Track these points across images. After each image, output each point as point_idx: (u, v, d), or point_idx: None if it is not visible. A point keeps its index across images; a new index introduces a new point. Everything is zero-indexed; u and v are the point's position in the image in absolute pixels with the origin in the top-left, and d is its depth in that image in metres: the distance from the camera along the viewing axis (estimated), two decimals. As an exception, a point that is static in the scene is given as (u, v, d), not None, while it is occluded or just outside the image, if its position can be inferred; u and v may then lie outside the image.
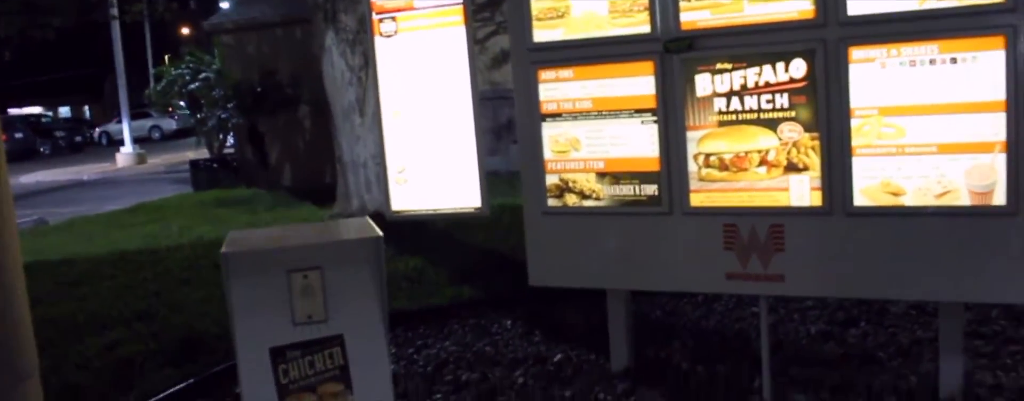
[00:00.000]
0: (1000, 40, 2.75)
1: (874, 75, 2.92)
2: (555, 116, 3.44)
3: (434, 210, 3.75)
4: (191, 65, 14.29)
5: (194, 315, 5.34)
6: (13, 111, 36.33)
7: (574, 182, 3.44)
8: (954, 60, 2.81)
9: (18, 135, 28.44)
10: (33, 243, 8.74)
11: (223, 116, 13.65)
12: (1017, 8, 2.73)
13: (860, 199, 3.01)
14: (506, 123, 12.06)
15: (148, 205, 12.02)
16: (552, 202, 3.49)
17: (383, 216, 3.78)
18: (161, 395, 3.93)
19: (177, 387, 4.02)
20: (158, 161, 22.75)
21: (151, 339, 4.92)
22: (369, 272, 2.52)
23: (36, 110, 39.86)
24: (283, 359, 2.41)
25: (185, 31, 36.34)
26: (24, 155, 26.67)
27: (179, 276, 6.59)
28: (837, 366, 3.77)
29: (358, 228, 2.66)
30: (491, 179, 3.85)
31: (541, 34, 3.42)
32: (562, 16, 3.38)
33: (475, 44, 3.75)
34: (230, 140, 14.75)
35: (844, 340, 4.12)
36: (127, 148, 23.00)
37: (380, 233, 2.56)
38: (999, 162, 2.81)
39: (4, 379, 2.21)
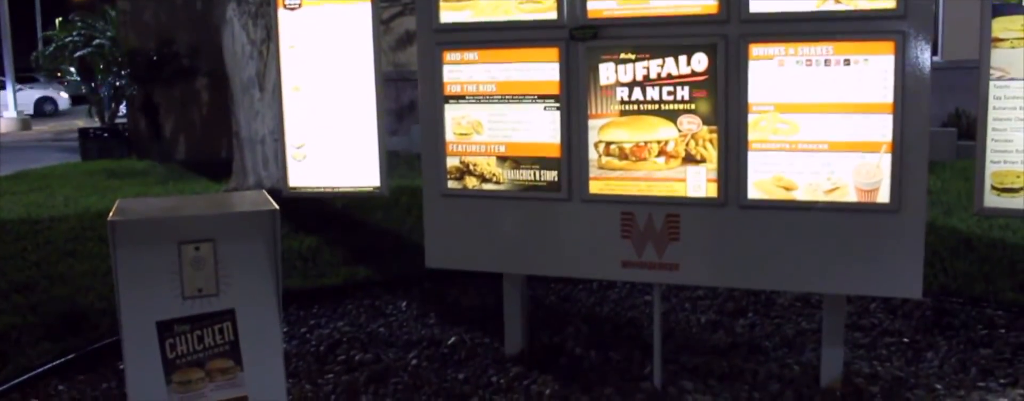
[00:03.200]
0: (890, 45, 2.85)
1: (772, 72, 2.99)
2: (458, 98, 3.42)
3: (332, 188, 3.70)
4: (83, 31, 13.76)
5: (78, 288, 5.15)
6: None
7: (475, 165, 3.43)
8: (847, 61, 2.90)
9: None
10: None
11: (117, 84, 13.20)
12: (907, 15, 2.84)
13: (754, 192, 3.09)
14: (408, 105, 11.99)
15: (32, 173, 11.54)
16: (452, 184, 3.48)
17: (280, 193, 3.71)
18: (37, 370, 3.79)
19: (55, 362, 3.87)
20: (45, 128, 21.87)
21: (29, 312, 4.73)
22: (263, 246, 2.47)
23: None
24: (170, 333, 2.34)
25: (78, -5, 34.90)
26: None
27: (63, 248, 6.35)
28: (725, 354, 3.87)
29: (253, 201, 2.60)
30: (392, 160, 3.82)
31: (448, 15, 3.40)
32: (470, -2, 3.36)
33: (380, 24, 3.70)
34: (122, 110, 14.27)
35: (732, 330, 4.23)
36: (10, 112, 22.02)
37: (276, 206, 2.50)
38: (885, 162, 2.92)
39: None
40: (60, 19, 18.43)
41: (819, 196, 3.01)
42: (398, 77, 11.39)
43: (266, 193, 2.68)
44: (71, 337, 4.26)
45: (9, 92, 22.12)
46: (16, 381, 3.69)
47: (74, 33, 13.81)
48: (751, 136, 3.05)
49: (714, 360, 3.78)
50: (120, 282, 2.32)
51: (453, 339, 4.10)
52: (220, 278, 2.39)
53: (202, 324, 2.38)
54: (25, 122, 21.93)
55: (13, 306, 4.84)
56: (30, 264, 5.87)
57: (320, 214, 7.24)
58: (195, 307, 2.36)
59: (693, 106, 3.10)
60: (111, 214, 2.39)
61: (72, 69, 14.06)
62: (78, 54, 13.46)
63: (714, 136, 3.10)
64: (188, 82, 12.79)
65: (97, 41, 13.37)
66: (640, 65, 3.15)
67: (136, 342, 2.35)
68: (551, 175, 3.34)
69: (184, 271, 2.36)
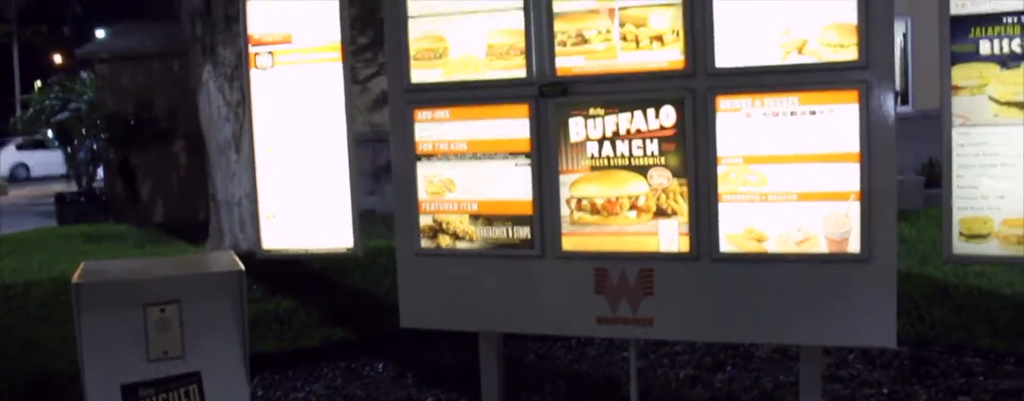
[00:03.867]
0: (854, 94, 2.88)
1: (740, 124, 3.01)
2: (430, 156, 3.42)
3: (306, 250, 3.67)
4: (61, 94, 13.76)
5: (50, 354, 5.08)
6: None
7: (448, 223, 3.42)
8: (813, 112, 2.93)
9: None
10: None
11: (95, 148, 13.15)
12: (869, 66, 2.88)
13: (726, 245, 3.08)
14: (385, 165, 11.97)
15: (7, 238, 11.44)
16: (425, 243, 3.46)
17: (255, 255, 3.68)
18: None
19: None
20: (22, 193, 21.74)
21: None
22: (230, 307, 2.44)
23: None
24: (135, 397, 2.30)
25: (58, 59, 34.95)
26: None
27: (35, 313, 6.27)
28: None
29: (219, 262, 2.58)
30: (368, 220, 3.80)
31: (418, 74, 3.41)
32: (440, 57, 3.38)
33: (355, 84, 3.71)
34: (99, 173, 14.20)
35: (711, 384, 4.21)
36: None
37: (242, 267, 2.48)
38: (853, 211, 2.93)
39: None
40: (39, 83, 18.44)
41: (790, 247, 3.01)
42: (375, 138, 11.40)
43: (233, 254, 2.66)
44: (39, 404, 4.19)
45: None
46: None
47: (51, 96, 13.79)
48: (721, 188, 3.06)
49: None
50: (84, 345, 2.28)
51: (430, 399, 4.05)
52: (186, 340, 2.36)
53: (168, 387, 2.34)
54: (2, 187, 21.79)
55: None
56: (2, 330, 5.78)
57: (296, 276, 7.18)
58: (161, 370, 2.33)
59: (663, 160, 3.12)
60: (75, 277, 2.36)
61: (49, 133, 14.02)
62: (56, 119, 13.42)
63: (685, 189, 3.10)
64: (166, 145, 12.78)
65: (74, 104, 13.35)
66: (610, 120, 3.16)
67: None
68: (524, 232, 3.33)
69: (149, 333, 2.33)
